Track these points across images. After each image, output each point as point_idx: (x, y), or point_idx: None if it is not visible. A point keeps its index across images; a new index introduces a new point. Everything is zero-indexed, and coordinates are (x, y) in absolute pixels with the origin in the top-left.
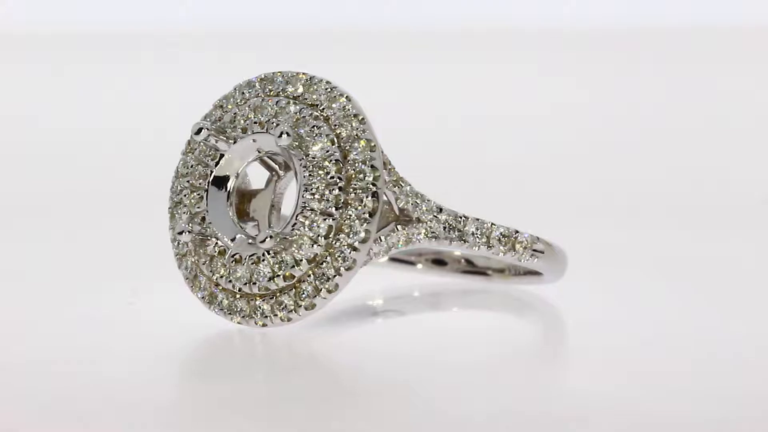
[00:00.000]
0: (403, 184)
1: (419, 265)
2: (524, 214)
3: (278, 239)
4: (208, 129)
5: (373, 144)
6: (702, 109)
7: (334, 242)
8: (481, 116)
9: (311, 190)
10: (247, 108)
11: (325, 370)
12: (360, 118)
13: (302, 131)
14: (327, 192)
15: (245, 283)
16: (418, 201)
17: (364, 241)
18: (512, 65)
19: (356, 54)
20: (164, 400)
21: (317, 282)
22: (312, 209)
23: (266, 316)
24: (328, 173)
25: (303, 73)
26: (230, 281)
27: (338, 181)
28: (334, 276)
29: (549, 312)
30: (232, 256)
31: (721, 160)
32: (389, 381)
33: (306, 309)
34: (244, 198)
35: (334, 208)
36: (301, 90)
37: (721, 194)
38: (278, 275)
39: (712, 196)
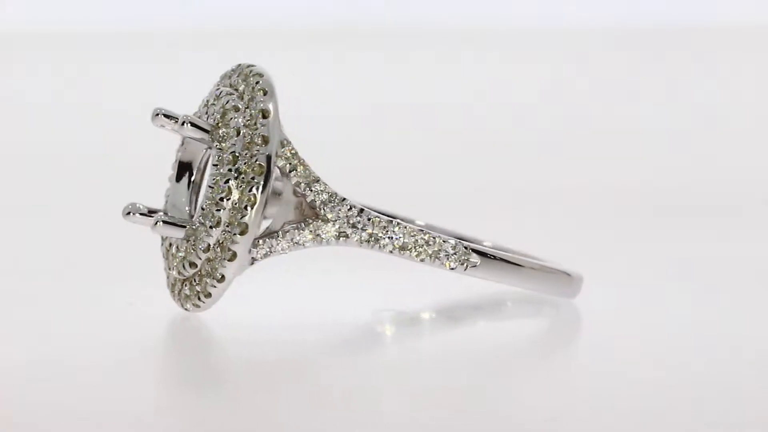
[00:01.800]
0: (315, 183)
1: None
2: (529, 216)
3: (188, 226)
4: (164, 115)
5: (267, 138)
6: (704, 107)
7: (223, 233)
8: (476, 115)
9: (213, 180)
10: (204, 97)
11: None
12: (264, 112)
13: (221, 124)
14: (222, 183)
15: (171, 268)
16: (327, 198)
17: (242, 233)
18: (505, 64)
19: (354, 52)
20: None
21: (211, 271)
22: (210, 199)
23: (188, 301)
24: (226, 165)
25: (250, 66)
26: (167, 265)
27: (235, 174)
28: (219, 267)
29: (566, 309)
30: (169, 242)
31: (722, 159)
32: (394, 380)
33: (206, 297)
34: None
35: (225, 200)
36: (241, 81)
37: (722, 193)
38: (186, 262)
39: (714, 195)
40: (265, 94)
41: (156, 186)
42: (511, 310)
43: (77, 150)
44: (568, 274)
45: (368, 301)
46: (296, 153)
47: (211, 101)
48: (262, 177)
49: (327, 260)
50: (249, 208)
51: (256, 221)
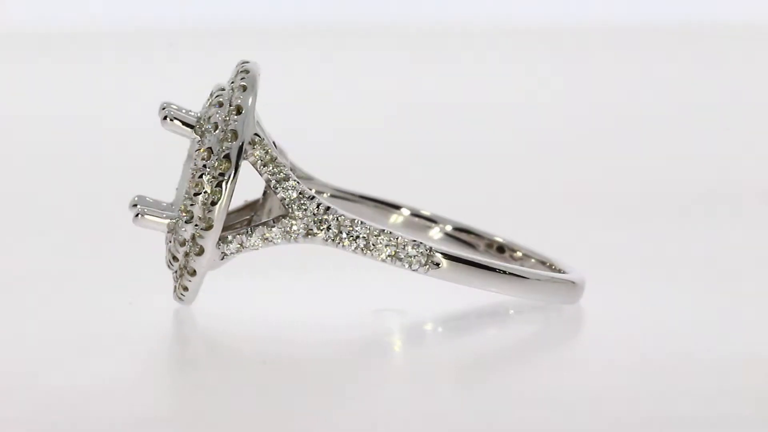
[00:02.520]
0: (285, 180)
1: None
2: (535, 214)
3: (171, 219)
4: (167, 110)
5: (236, 134)
6: (705, 107)
7: (195, 227)
8: (481, 114)
9: (191, 175)
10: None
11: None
12: (239, 108)
13: (205, 119)
14: (197, 178)
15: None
16: (296, 196)
17: (207, 228)
18: (510, 63)
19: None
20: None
21: (185, 265)
22: (187, 193)
23: (175, 294)
24: (202, 160)
25: (246, 62)
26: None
27: (208, 169)
28: (190, 261)
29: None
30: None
31: (722, 158)
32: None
33: (184, 290)
34: None
35: (198, 195)
36: (233, 77)
37: (722, 193)
38: (171, 256)
39: (715, 195)
40: (244, 90)
41: (159, 184)
42: (514, 311)
43: (77, 149)
44: (573, 282)
45: (373, 302)
46: (269, 150)
47: (209, 96)
48: (229, 173)
49: (336, 259)
50: (215, 203)
51: (221, 217)
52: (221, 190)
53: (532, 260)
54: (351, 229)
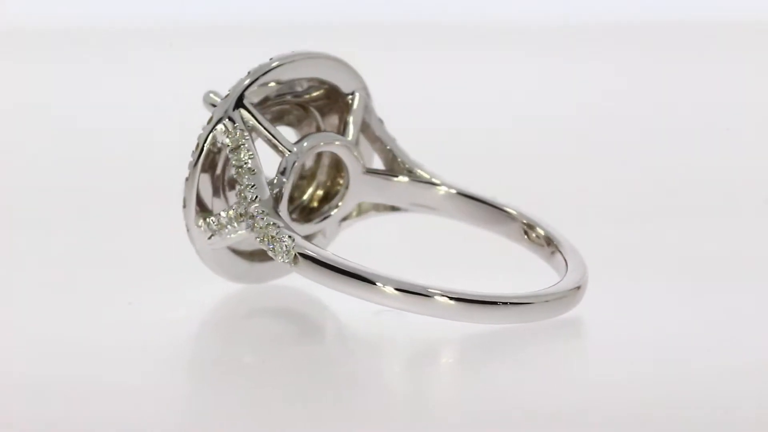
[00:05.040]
0: (242, 168)
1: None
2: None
3: None
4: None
5: (210, 119)
6: (705, 106)
7: None
8: (497, 113)
9: None
10: None
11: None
12: (228, 93)
13: None
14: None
15: None
16: (244, 183)
17: (184, 206)
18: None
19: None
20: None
21: None
22: None
23: None
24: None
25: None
26: None
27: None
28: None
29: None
30: None
31: (722, 159)
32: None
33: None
34: None
35: None
36: None
37: (722, 193)
38: None
39: (714, 195)
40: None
41: (159, 186)
42: None
43: (75, 151)
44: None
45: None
46: (239, 137)
47: None
48: (198, 157)
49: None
50: (187, 180)
51: (190, 196)
52: (191, 171)
53: (541, 232)
54: (259, 222)
